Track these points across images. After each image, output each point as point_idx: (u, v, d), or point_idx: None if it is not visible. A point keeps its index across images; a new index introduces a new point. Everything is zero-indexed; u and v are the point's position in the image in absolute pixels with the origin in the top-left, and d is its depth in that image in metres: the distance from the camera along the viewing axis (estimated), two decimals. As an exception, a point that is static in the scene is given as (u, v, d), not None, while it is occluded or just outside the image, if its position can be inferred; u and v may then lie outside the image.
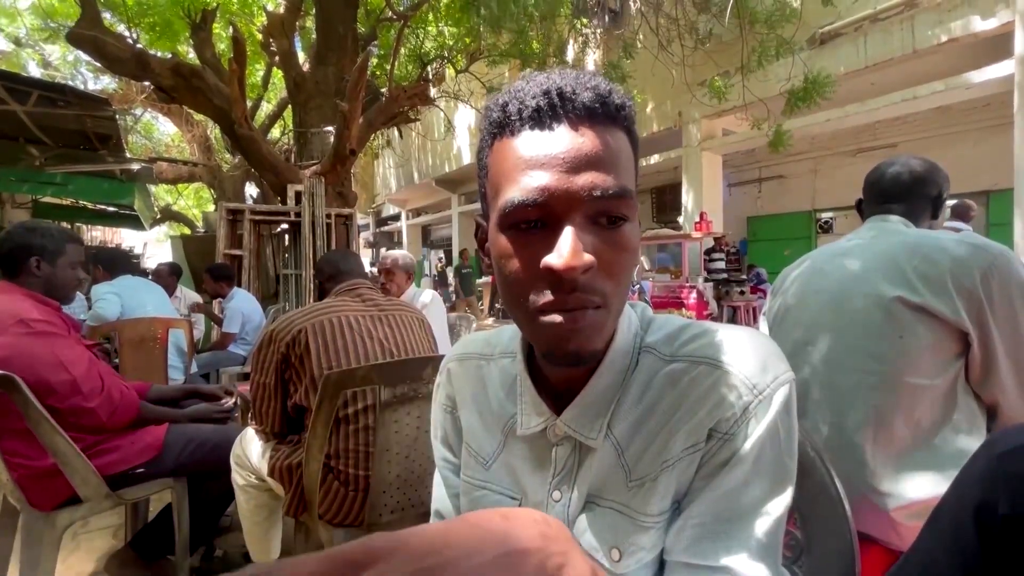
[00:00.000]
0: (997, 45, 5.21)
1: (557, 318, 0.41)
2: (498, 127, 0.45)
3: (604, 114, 0.43)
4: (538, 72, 0.46)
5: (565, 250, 0.39)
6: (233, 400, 1.86)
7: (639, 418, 0.48)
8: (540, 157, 0.41)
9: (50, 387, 1.32)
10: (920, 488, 0.89)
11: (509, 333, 0.60)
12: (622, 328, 0.49)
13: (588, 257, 0.40)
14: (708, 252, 7.39)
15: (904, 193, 1.14)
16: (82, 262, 1.57)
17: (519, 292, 0.43)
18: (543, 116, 0.42)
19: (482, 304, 12.31)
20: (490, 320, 10.38)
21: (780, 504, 0.44)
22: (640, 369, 0.49)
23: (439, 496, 0.64)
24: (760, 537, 0.43)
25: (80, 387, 1.35)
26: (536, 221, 0.42)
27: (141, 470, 1.50)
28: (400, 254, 2.64)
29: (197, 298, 4.10)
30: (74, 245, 1.53)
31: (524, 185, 0.41)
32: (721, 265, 7.26)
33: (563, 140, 0.41)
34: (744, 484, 0.44)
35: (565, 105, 0.42)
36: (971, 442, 0.92)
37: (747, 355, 0.46)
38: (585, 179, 0.40)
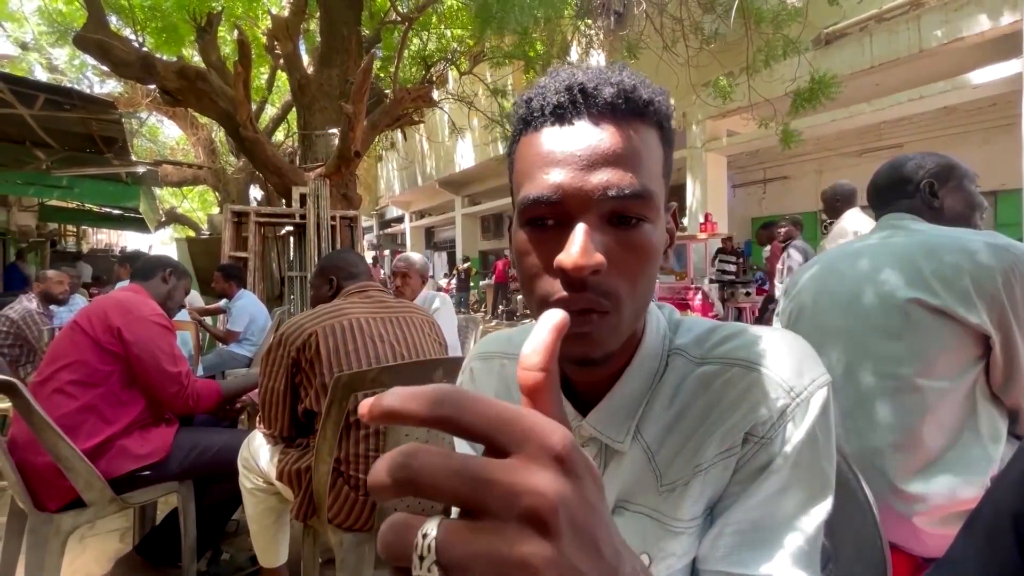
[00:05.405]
0: (1004, 45, 5.17)
1: None
2: (523, 123, 0.44)
3: (628, 110, 0.41)
4: (566, 67, 0.45)
5: (574, 249, 0.38)
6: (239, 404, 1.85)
7: (670, 422, 0.47)
8: (557, 154, 0.41)
9: (163, 373, 1.53)
10: (942, 494, 0.87)
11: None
12: (650, 330, 0.48)
13: (598, 257, 0.38)
14: (717, 253, 7.35)
15: (890, 193, 1.13)
16: (187, 291, 1.91)
17: (534, 287, 0.43)
18: (564, 112, 0.41)
19: (485, 307, 12.29)
20: (493, 323, 10.36)
21: (821, 511, 0.43)
22: (670, 372, 0.48)
23: None
24: (801, 544, 0.41)
25: (181, 379, 1.57)
26: (552, 218, 0.41)
27: (147, 472, 1.50)
28: (417, 257, 2.63)
29: (200, 302, 4.10)
30: (189, 279, 1.91)
31: (540, 182, 0.41)
32: (732, 267, 7.20)
33: (581, 137, 0.40)
34: (783, 490, 0.43)
35: (587, 101, 0.41)
36: (993, 447, 0.90)
37: (782, 357, 0.45)
38: (600, 178, 0.39)
